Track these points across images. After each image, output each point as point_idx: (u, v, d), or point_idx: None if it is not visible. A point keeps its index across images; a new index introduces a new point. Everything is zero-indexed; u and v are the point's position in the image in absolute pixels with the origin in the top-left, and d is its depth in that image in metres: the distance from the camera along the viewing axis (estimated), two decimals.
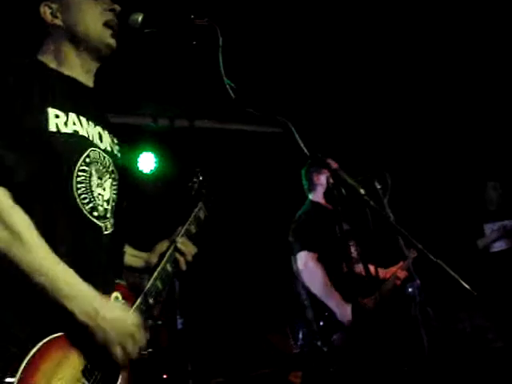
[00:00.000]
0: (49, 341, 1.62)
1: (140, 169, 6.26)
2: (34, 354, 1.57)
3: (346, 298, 4.13)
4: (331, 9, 4.88)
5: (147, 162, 6.30)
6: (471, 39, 5.33)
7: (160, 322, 4.52)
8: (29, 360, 1.56)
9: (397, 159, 5.97)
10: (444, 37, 5.33)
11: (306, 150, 1.77)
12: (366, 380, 4.03)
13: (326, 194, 4.29)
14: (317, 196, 4.49)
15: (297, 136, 1.78)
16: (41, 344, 1.59)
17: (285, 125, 1.80)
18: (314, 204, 4.47)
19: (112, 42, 2.04)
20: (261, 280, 6.17)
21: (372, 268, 4.46)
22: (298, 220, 4.39)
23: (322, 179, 4.45)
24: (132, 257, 2.31)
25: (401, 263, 4.67)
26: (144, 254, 2.33)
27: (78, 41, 2.00)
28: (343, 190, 1.69)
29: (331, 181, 4.14)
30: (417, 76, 5.78)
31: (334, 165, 4.39)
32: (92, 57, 2.05)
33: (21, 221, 1.67)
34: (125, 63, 3.94)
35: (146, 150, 6.30)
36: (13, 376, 1.52)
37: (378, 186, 4.20)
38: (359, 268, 4.27)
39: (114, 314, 1.73)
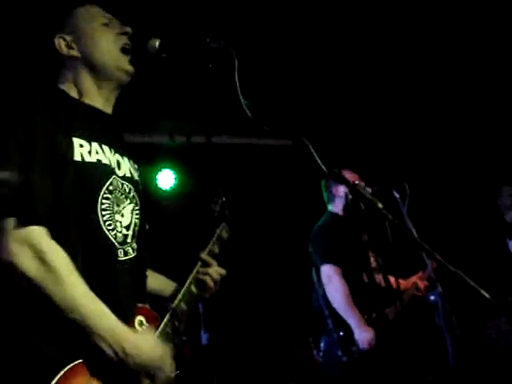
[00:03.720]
0: (70, 368, 1.65)
1: (159, 186, 6.30)
2: (59, 379, 1.61)
3: (366, 308, 4.14)
4: (340, 23, 4.89)
5: (166, 179, 6.34)
6: (483, 36, 5.30)
7: (185, 338, 4.53)
8: None
9: (414, 168, 5.96)
10: (451, 43, 5.31)
11: (323, 167, 1.79)
12: None
13: (345, 209, 4.31)
14: (336, 207, 4.51)
15: (314, 152, 1.79)
16: (65, 370, 1.63)
17: (301, 142, 1.82)
18: (333, 215, 4.48)
19: (130, 68, 2.07)
20: (283, 291, 6.17)
21: (391, 278, 4.49)
22: (317, 231, 4.41)
23: (341, 191, 4.46)
24: (167, 286, 2.32)
25: (420, 273, 4.67)
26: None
27: (97, 70, 2.04)
28: (362, 205, 1.70)
29: (350, 196, 4.18)
30: (432, 86, 5.76)
31: (354, 176, 4.42)
32: (112, 85, 2.08)
33: (59, 258, 1.71)
34: (139, 82, 3.99)
35: (165, 167, 6.34)
36: None
37: (397, 196, 4.22)
38: (379, 278, 4.29)
39: (142, 352, 1.75)
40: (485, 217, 6.06)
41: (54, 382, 1.61)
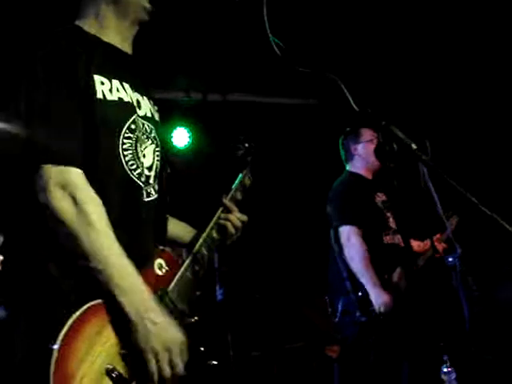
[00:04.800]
0: (91, 306, 1.62)
1: (174, 144, 6.24)
2: (77, 318, 1.57)
3: (384, 268, 4.11)
4: None
5: (181, 136, 6.28)
6: None
7: (199, 293, 4.53)
8: (70, 325, 1.55)
9: (435, 126, 5.86)
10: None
11: (355, 106, 1.73)
12: (405, 351, 4.02)
13: (376, 151, 4.22)
14: (354, 166, 4.43)
15: (346, 92, 1.74)
16: (84, 308, 1.59)
17: (334, 81, 1.76)
18: (352, 174, 4.41)
19: (149, 6, 2.00)
20: (298, 252, 6.15)
21: (413, 241, 4.44)
22: (335, 192, 4.35)
23: (360, 149, 4.39)
24: (188, 232, 2.27)
25: (438, 235, 4.61)
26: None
27: (117, 3, 1.97)
28: (395, 146, 1.64)
29: (380, 138, 4.09)
30: (452, 41, 5.63)
31: (374, 134, 4.34)
32: (130, 20, 2.01)
33: (93, 204, 1.69)
34: (156, 38, 3.90)
35: (180, 125, 6.27)
36: (55, 342, 1.52)
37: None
38: (397, 239, 4.24)
39: (161, 322, 1.69)
40: (507, 178, 5.98)
41: (75, 317, 1.57)
